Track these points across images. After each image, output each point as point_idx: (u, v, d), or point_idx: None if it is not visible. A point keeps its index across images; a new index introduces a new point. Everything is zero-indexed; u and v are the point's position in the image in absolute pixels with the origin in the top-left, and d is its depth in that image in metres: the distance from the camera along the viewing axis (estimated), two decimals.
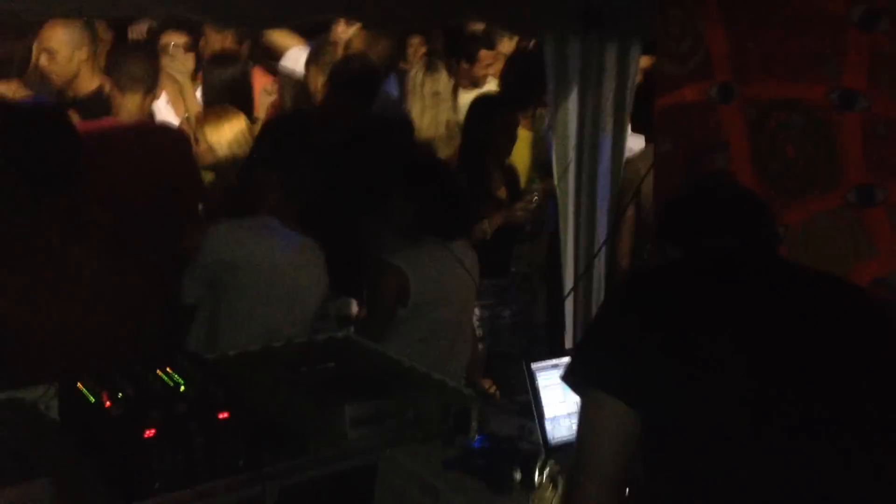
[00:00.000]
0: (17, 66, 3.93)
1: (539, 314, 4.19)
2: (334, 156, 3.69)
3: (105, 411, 1.92)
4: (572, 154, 3.56)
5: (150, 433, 1.84)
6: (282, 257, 3.04)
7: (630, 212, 3.72)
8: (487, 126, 3.95)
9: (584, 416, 1.69)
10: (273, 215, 3.09)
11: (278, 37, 4.75)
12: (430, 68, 4.55)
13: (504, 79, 4.64)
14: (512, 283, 4.12)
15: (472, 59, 4.85)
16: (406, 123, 4.31)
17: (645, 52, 3.48)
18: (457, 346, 3.32)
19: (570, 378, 1.74)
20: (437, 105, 4.51)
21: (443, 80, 4.53)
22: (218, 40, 4.80)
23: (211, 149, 3.86)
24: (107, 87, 3.64)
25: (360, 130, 3.83)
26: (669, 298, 1.68)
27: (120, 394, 1.97)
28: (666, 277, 1.74)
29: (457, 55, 5.02)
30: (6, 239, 2.49)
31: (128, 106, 3.49)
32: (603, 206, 3.63)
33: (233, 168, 3.81)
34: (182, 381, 2.05)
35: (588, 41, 3.33)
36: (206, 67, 4.44)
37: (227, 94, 4.20)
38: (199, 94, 4.40)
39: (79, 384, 2.02)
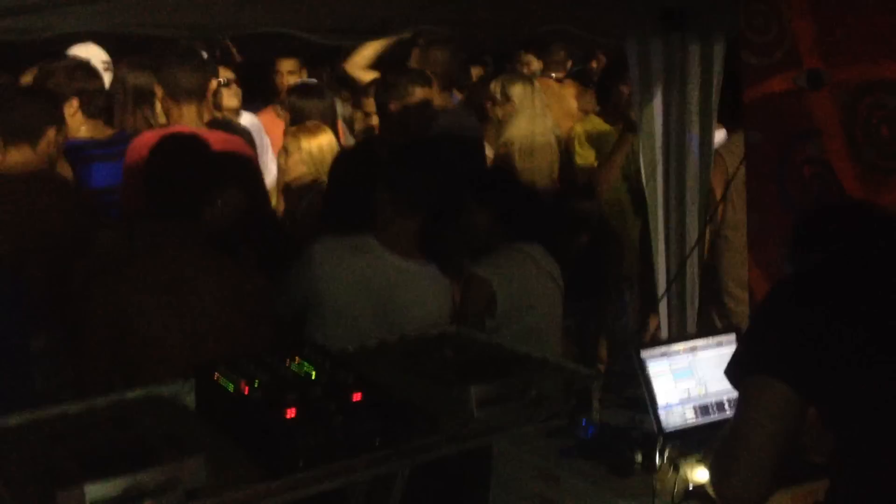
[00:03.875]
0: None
1: (630, 320, 4.21)
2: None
3: (246, 397, 2.01)
4: (660, 155, 3.59)
5: (290, 414, 1.91)
6: (374, 276, 3.06)
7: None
8: None
9: (750, 401, 1.74)
10: (374, 235, 3.07)
11: (354, 70, 4.95)
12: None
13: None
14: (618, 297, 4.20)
15: None
16: (474, 136, 4.44)
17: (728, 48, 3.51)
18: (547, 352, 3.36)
19: (736, 367, 1.80)
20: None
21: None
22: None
23: (304, 159, 4.00)
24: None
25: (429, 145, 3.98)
26: (841, 291, 1.76)
27: (256, 381, 2.06)
28: (831, 274, 1.82)
29: None
30: (147, 259, 2.71)
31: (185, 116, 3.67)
32: (692, 207, 3.65)
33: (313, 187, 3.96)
34: (312, 369, 2.14)
35: (670, 40, 3.38)
36: (290, 98, 4.62)
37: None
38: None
39: (216, 375, 2.11)
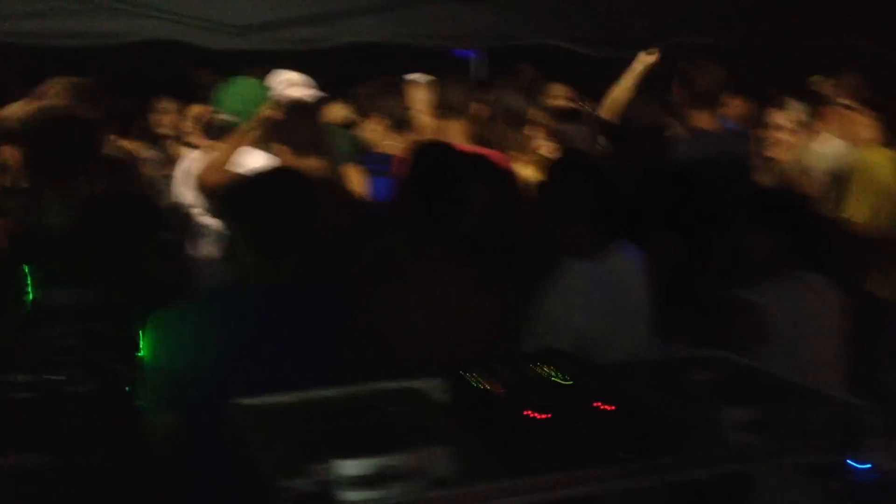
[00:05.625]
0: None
1: None
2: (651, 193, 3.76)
3: (494, 396, 2.01)
4: None
5: (536, 416, 1.89)
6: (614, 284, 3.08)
7: None
8: None
9: None
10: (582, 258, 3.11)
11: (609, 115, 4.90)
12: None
13: None
14: None
15: None
16: (736, 159, 4.26)
17: None
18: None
19: None
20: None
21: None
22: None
23: None
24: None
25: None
26: None
27: (505, 382, 2.05)
28: None
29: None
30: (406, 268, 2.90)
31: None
32: None
33: None
34: (561, 376, 2.10)
35: None
36: (551, 122, 4.65)
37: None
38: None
39: (465, 373, 2.14)
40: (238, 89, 4.48)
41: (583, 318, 3.00)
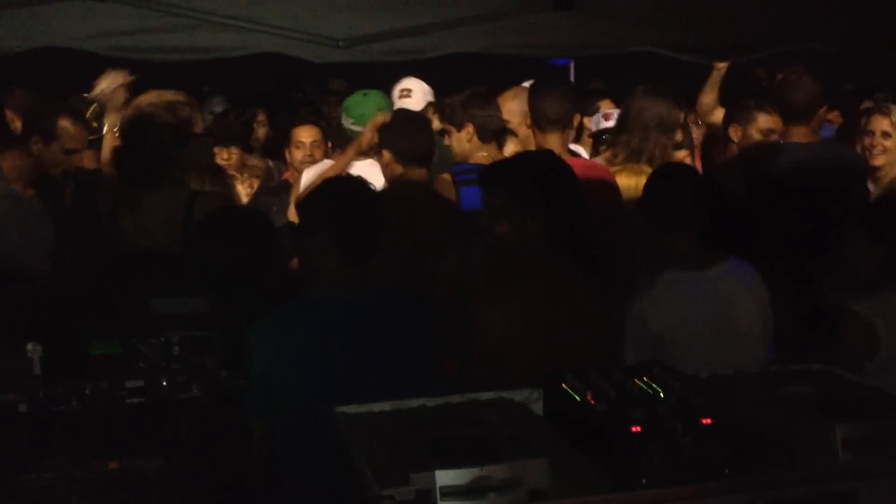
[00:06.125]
0: None
1: None
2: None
3: (591, 408, 2.00)
4: None
5: (635, 429, 1.87)
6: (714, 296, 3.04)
7: None
8: None
9: None
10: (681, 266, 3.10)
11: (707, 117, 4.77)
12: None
13: None
14: None
15: None
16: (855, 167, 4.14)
17: None
18: None
19: None
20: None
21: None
22: None
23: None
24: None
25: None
26: None
27: (604, 394, 2.04)
28: None
29: None
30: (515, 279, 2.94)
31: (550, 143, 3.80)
32: None
33: None
34: (661, 389, 2.08)
35: None
36: None
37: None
38: None
39: (564, 385, 2.13)
40: (368, 100, 4.57)
41: (664, 326, 2.99)
